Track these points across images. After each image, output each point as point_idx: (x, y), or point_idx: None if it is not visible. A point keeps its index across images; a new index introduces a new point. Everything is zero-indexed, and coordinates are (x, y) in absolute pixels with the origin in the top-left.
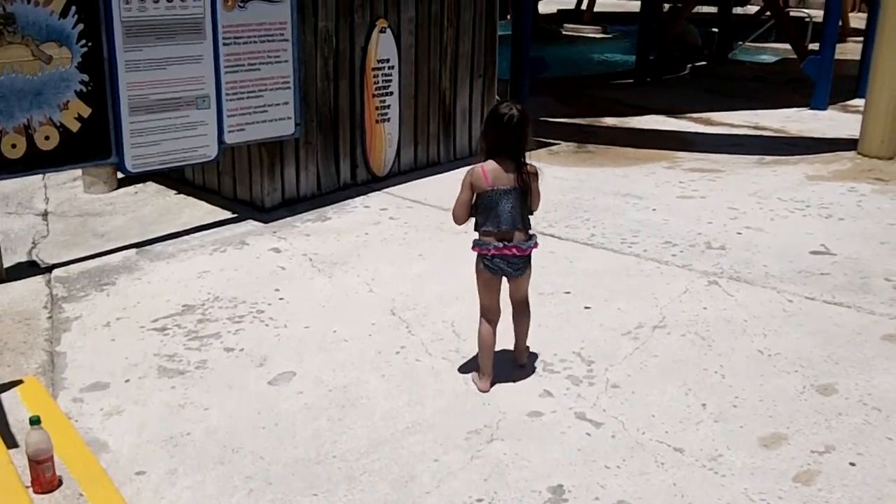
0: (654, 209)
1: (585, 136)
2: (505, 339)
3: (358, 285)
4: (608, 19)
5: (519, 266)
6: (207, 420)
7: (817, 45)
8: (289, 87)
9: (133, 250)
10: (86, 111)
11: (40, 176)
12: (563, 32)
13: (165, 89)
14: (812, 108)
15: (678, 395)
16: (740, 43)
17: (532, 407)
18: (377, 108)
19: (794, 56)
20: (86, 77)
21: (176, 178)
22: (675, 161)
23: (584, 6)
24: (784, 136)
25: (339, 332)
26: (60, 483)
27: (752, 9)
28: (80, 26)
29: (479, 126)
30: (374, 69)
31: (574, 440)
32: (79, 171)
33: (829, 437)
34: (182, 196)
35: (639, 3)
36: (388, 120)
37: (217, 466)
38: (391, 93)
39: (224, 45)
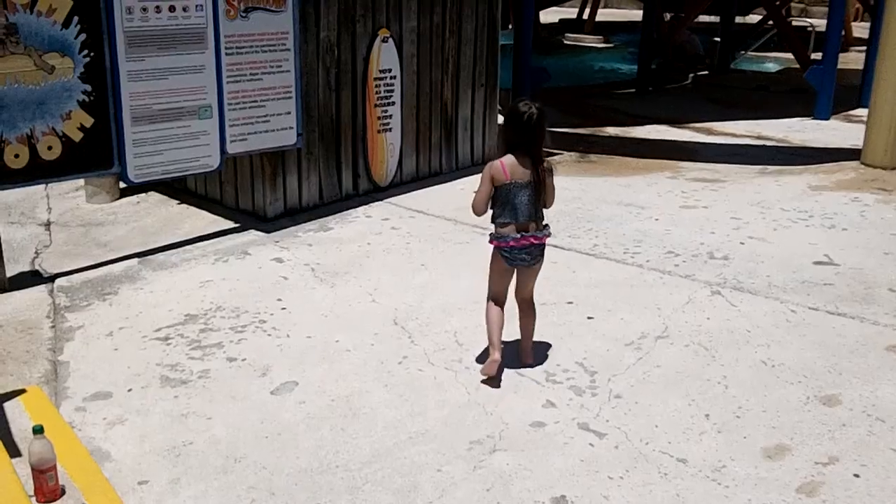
0: (656, 219)
1: (588, 146)
2: (508, 339)
3: (360, 295)
4: (610, 29)
5: (535, 254)
6: (210, 430)
7: (820, 54)
8: (291, 97)
9: (135, 260)
10: (88, 121)
11: (43, 186)
12: (565, 42)
13: (167, 99)
14: (815, 118)
15: (681, 406)
16: (742, 52)
17: (535, 417)
18: (379, 118)
19: (797, 65)
20: (88, 87)
21: (178, 188)
22: (678, 171)
23: (585, 16)
24: (787, 145)
25: (342, 342)
26: (63, 492)
27: (755, 18)
28: (83, 36)
29: (481, 136)
30: (375, 79)
31: (577, 451)
32: (81, 181)
33: (833, 448)
34: (184, 206)
35: (640, 12)
36: (390, 130)
37: (220, 476)
38: (393, 103)
39: (226, 54)
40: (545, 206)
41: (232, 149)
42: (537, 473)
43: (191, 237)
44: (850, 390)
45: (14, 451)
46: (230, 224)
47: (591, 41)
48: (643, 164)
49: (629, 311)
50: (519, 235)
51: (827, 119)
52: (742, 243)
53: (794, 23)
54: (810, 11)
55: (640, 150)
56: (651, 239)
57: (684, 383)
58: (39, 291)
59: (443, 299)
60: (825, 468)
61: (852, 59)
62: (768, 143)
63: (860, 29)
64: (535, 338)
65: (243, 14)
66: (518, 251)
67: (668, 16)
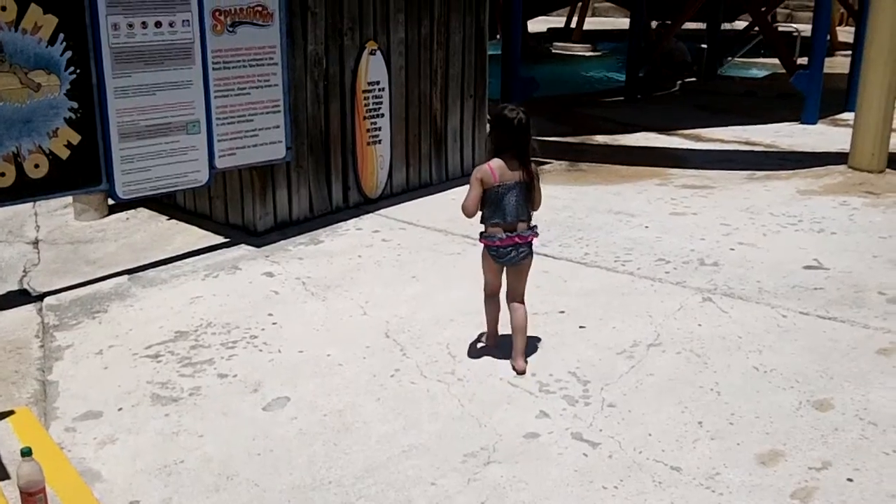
0: (646, 226)
1: (577, 155)
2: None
3: (352, 308)
4: (597, 37)
5: (523, 251)
6: (202, 447)
7: (806, 59)
8: (279, 111)
9: (125, 277)
10: (75, 138)
11: (31, 204)
12: (553, 51)
13: (155, 115)
14: (802, 123)
15: (674, 414)
16: (729, 59)
17: (528, 428)
18: (368, 131)
19: (784, 71)
20: (75, 104)
21: (167, 204)
22: (667, 178)
23: (573, 24)
24: (775, 150)
25: (334, 356)
26: None
27: (741, 24)
28: (69, 53)
29: (471, 147)
30: (364, 91)
31: (571, 461)
32: (70, 199)
33: (826, 452)
34: (174, 221)
35: (628, 20)
36: (380, 142)
37: (212, 494)
38: (382, 115)
39: (214, 69)
40: (533, 209)
41: (221, 163)
42: (532, 485)
43: (181, 253)
44: (842, 394)
45: (3, 474)
46: (220, 239)
47: (579, 50)
48: (633, 172)
49: (621, 319)
50: (505, 235)
51: (814, 123)
52: (732, 249)
53: (779, 28)
54: (796, 17)
55: (629, 157)
56: (642, 246)
57: (677, 391)
58: (28, 310)
59: (435, 311)
60: (819, 473)
61: (838, 64)
62: (756, 149)
63: (845, 33)
64: (528, 348)
65: (230, 29)
66: (505, 249)
67: (655, 23)
